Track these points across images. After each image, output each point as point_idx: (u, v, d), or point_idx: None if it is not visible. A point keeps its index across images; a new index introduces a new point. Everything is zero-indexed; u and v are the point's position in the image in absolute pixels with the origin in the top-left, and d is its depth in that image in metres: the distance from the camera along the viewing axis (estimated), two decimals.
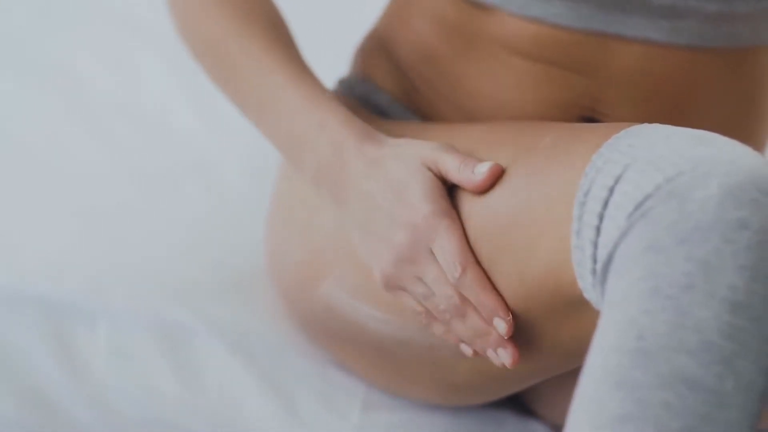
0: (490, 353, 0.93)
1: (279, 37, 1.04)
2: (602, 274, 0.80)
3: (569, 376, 0.94)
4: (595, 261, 0.80)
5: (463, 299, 0.92)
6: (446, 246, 0.91)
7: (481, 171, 0.90)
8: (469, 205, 0.92)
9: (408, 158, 0.94)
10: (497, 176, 0.90)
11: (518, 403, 1.16)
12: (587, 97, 1.00)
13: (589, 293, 0.82)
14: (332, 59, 1.30)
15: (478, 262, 0.91)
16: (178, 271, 1.18)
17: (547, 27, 0.98)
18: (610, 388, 0.75)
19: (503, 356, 0.92)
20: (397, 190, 0.94)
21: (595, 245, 0.80)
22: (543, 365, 0.95)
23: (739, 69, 1.00)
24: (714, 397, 0.73)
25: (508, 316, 0.90)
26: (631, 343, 0.75)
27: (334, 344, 1.11)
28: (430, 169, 0.93)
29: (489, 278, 0.91)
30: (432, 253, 0.92)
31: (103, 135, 1.31)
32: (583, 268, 0.82)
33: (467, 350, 0.95)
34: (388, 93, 1.08)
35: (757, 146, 1.06)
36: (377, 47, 1.10)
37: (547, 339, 0.90)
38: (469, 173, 0.91)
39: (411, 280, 0.94)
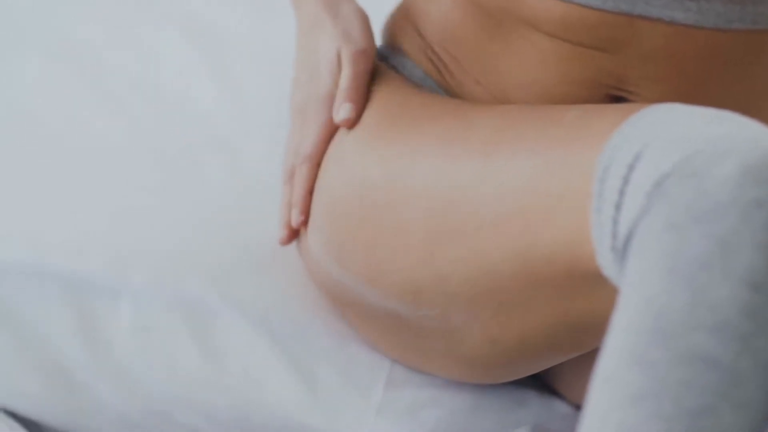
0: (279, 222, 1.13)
1: None
2: (623, 252, 0.80)
3: (589, 355, 0.94)
4: (615, 238, 0.81)
5: (293, 176, 1.11)
6: (310, 134, 1.09)
7: (339, 113, 1.08)
8: (483, 160, 0.93)
9: (331, 44, 1.10)
10: (347, 126, 1.07)
11: (541, 383, 1.16)
12: (613, 77, 1.00)
13: (608, 270, 0.82)
14: None
15: (316, 166, 1.09)
16: (201, 248, 1.17)
17: (575, 7, 0.98)
18: (629, 366, 0.75)
19: (279, 233, 1.12)
20: (315, 66, 1.11)
21: (615, 222, 0.80)
22: (556, 340, 0.95)
23: (762, 51, 1.00)
24: (731, 375, 0.73)
25: (303, 216, 1.10)
26: (649, 322, 0.75)
27: (356, 316, 1.11)
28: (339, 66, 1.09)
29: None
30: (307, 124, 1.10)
31: (125, 114, 1.31)
32: (602, 245, 0.82)
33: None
34: (419, 67, 1.10)
35: None
36: (406, 21, 1.11)
37: (559, 312, 0.91)
38: (336, 108, 1.08)
39: (294, 121, 1.13)
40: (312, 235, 1.10)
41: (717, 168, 0.76)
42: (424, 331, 1.04)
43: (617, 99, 1.01)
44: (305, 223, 1.10)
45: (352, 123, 1.07)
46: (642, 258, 0.77)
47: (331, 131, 1.09)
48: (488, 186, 0.93)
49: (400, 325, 1.05)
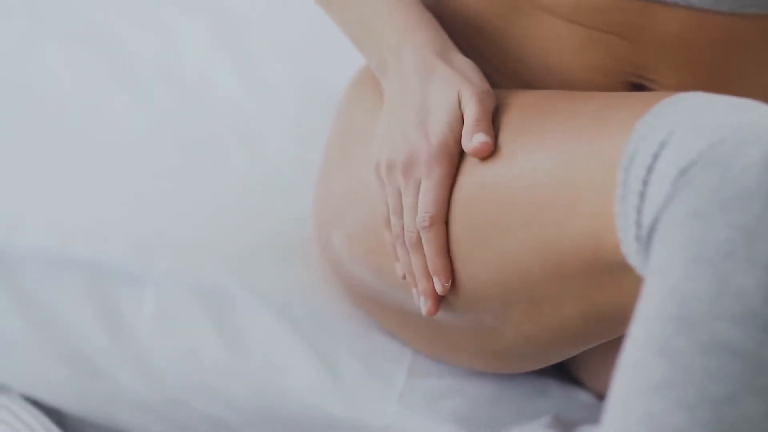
0: (414, 293, 1.01)
1: None
2: (647, 241, 0.80)
3: (613, 345, 0.94)
4: (639, 227, 0.81)
5: (419, 242, 0.98)
6: (429, 192, 0.97)
7: (474, 141, 0.95)
8: (507, 160, 0.93)
9: (450, 87, 0.99)
10: (483, 153, 0.95)
11: (563, 372, 1.16)
12: (631, 63, 1.00)
13: (633, 259, 0.82)
14: None
15: (444, 225, 0.97)
16: (223, 235, 1.18)
17: None
18: (653, 355, 0.75)
19: (423, 305, 1.00)
20: (424, 111, 0.99)
21: (639, 211, 0.81)
22: (585, 330, 0.95)
23: None
24: (755, 363, 0.73)
25: (448, 282, 0.98)
26: (673, 311, 0.75)
27: (380, 312, 1.11)
28: (459, 108, 0.98)
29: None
30: (418, 185, 0.98)
31: (147, 101, 1.32)
32: (626, 234, 0.82)
33: (399, 272, 1.02)
34: None
35: None
36: (426, 7, 1.11)
37: (588, 303, 0.91)
38: (467, 138, 0.96)
39: (392, 186, 1.00)
40: (337, 236, 1.10)
41: (741, 156, 0.76)
42: (454, 331, 1.04)
43: (637, 86, 1.01)
44: (452, 288, 0.99)
45: (490, 148, 0.96)
46: (666, 246, 0.77)
47: (449, 185, 0.97)
48: (513, 187, 0.93)
49: (429, 324, 1.05)
